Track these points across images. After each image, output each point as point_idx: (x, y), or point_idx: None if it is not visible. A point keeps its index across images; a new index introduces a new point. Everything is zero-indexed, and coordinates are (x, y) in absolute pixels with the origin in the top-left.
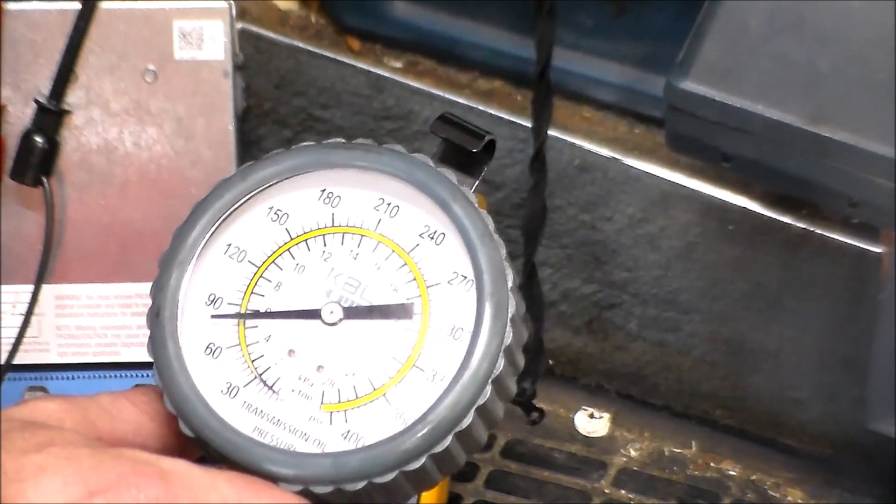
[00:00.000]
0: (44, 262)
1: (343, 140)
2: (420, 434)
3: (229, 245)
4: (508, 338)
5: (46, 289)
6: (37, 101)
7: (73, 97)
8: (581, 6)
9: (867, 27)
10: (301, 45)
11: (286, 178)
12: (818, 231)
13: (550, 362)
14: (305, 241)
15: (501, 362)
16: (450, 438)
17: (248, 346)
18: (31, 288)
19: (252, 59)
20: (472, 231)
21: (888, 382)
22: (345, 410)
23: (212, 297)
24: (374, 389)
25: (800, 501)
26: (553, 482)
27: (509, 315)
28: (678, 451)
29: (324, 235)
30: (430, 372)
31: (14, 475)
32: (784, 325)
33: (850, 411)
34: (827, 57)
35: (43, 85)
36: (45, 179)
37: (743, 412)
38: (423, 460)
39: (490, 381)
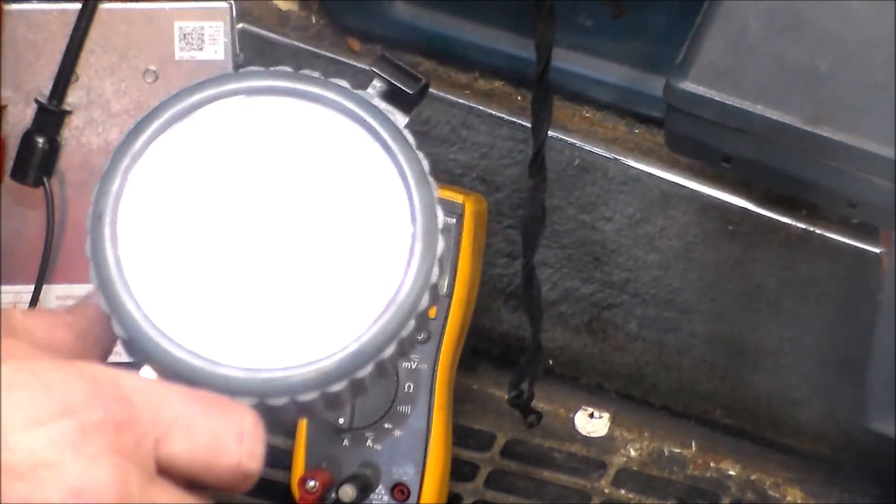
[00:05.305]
0: (44, 262)
1: (290, 69)
2: (345, 359)
3: (171, 156)
4: (435, 276)
5: (47, 289)
6: (37, 102)
7: (74, 97)
8: (581, 6)
9: (867, 27)
10: (301, 45)
11: (230, 98)
12: (818, 231)
13: (550, 362)
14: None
15: (426, 298)
16: (371, 366)
17: (188, 255)
18: (31, 288)
19: (252, 59)
20: (408, 172)
21: (888, 382)
22: (276, 329)
23: (152, 205)
24: (307, 312)
25: (799, 501)
26: (553, 482)
27: (437, 255)
28: (678, 450)
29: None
30: (360, 302)
31: None
32: (783, 325)
33: (849, 411)
34: (826, 57)
35: (44, 85)
36: (45, 180)
37: (742, 412)
38: (344, 383)
39: (414, 315)
